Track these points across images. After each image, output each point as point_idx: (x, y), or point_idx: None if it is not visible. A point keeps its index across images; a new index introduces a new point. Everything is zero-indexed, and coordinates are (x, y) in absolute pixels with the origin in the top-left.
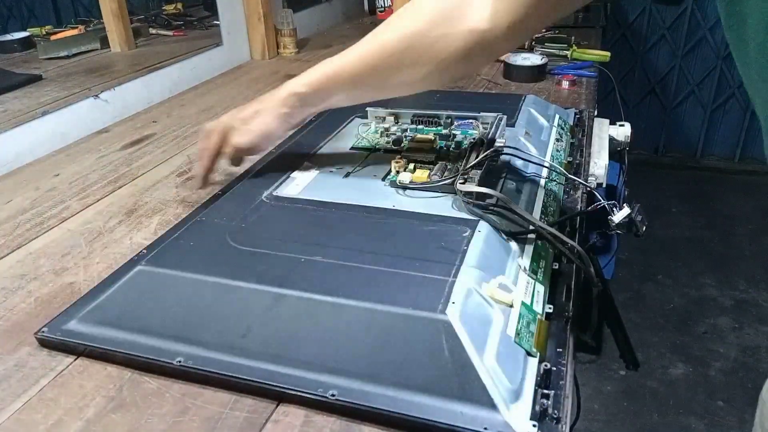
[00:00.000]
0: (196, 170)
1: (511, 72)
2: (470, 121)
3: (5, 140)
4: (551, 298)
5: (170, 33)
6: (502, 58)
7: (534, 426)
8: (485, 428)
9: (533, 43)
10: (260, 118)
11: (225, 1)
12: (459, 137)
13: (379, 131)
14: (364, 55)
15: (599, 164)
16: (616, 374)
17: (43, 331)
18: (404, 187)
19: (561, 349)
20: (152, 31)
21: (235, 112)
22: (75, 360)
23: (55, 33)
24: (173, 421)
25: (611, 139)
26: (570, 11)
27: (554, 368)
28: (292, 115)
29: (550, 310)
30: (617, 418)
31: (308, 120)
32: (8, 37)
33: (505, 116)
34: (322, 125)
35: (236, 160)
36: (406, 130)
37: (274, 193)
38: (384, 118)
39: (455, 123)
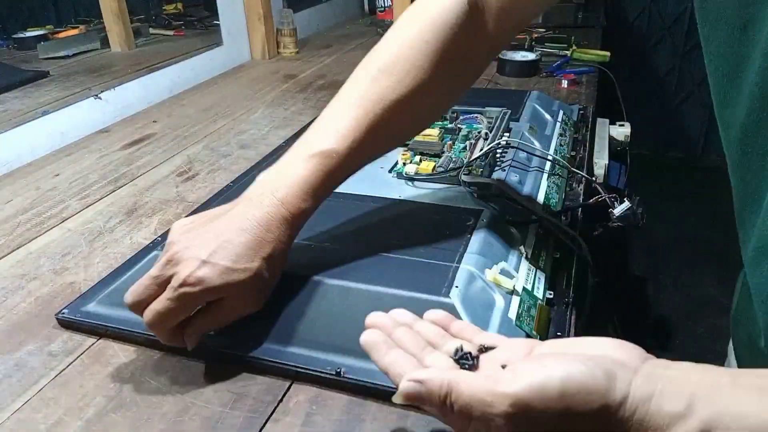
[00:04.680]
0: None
1: (504, 67)
2: (475, 115)
3: (5, 140)
4: (552, 285)
5: (170, 33)
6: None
7: None
8: None
9: (533, 42)
10: (272, 264)
11: (225, 1)
12: (464, 131)
13: None
14: (373, 124)
15: (599, 164)
16: None
17: (63, 313)
18: (410, 179)
19: (561, 333)
20: (152, 31)
21: (218, 258)
22: (75, 360)
23: (56, 33)
24: (173, 420)
25: (611, 139)
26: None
27: None
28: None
29: (551, 296)
30: None
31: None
32: (27, 34)
33: (510, 111)
34: None
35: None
36: None
37: None
38: None
39: (461, 117)
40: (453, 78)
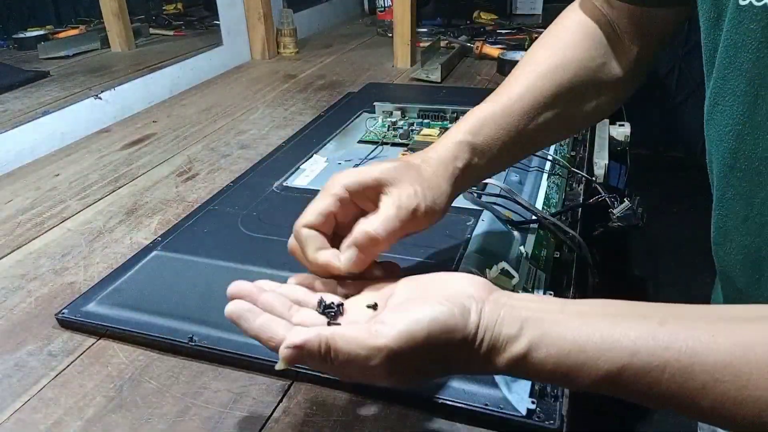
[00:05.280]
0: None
1: (504, 67)
2: None
3: (6, 140)
4: (552, 285)
5: (170, 33)
6: (497, 54)
7: (533, 403)
8: (486, 404)
9: (533, 42)
10: (433, 172)
11: (225, 1)
12: None
13: (387, 125)
14: (534, 91)
15: (599, 164)
16: None
17: (63, 313)
18: None
19: None
20: (152, 31)
21: (374, 165)
22: (75, 360)
23: (56, 33)
24: (173, 421)
25: (611, 139)
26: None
27: None
28: (465, 176)
29: (551, 296)
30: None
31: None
32: (27, 34)
33: None
34: (330, 120)
35: (389, 231)
36: (412, 124)
37: (284, 184)
38: (391, 113)
39: (461, 117)
40: (606, 69)
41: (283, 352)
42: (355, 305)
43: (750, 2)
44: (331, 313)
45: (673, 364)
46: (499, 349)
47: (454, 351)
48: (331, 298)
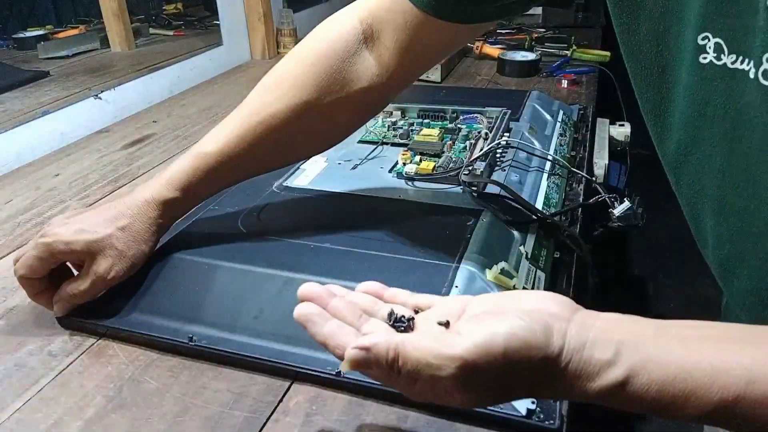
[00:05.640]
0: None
1: (504, 67)
2: (475, 115)
3: (6, 140)
4: (552, 285)
5: (170, 33)
6: (497, 54)
7: (533, 403)
8: None
9: (533, 42)
10: (133, 237)
11: (225, 1)
12: (464, 131)
13: (387, 125)
14: (245, 135)
15: (599, 164)
16: None
17: None
18: (410, 179)
19: None
20: (152, 31)
21: (81, 226)
22: (75, 360)
23: (56, 33)
24: (173, 421)
25: (611, 139)
26: (459, 46)
27: None
28: (166, 226)
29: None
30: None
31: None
32: (27, 34)
33: (510, 111)
34: None
35: (92, 294)
36: (412, 124)
37: (285, 184)
38: (391, 113)
39: (461, 117)
40: (339, 104)
41: (350, 353)
42: (426, 321)
43: (710, 61)
44: (402, 327)
45: None
46: (591, 374)
47: (534, 371)
48: (401, 311)
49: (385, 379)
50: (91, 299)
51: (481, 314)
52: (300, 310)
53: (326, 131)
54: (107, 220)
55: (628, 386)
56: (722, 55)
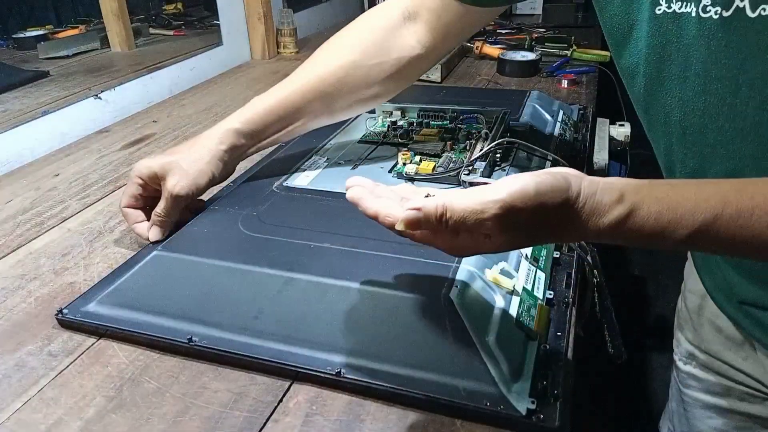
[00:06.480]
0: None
1: (504, 67)
2: (475, 115)
3: (6, 140)
4: (552, 285)
5: (170, 33)
6: (497, 54)
7: (533, 403)
8: (486, 404)
9: (533, 42)
10: (196, 159)
11: (225, 1)
12: (464, 131)
13: (387, 125)
14: (301, 87)
15: (599, 164)
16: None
17: (63, 313)
18: (411, 179)
19: (560, 333)
20: (152, 31)
21: (163, 156)
22: (75, 360)
23: (56, 33)
24: (173, 421)
25: (611, 139)
26: (479, 27)
27: (553, 350)
28: (231, 154)
29: (551, 296)
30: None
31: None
32: (27, 34)
33: (510, 111)
34: None
35: (168, 210)
36: (412, 124)
37: (285, 184)
38: (391, 113)
39: (461, 117)
40: (378, 68)
41: (406, 213)
42: None
43: (663, 11)
44: None
45: (761, 207)
46: (602, 212)
47: (558, 212)
48: (434, 193)
49: (431, 237)
50: (173, 221)
51: (511, 176)
52: (351, 193)
53: (365, 90)
54: (181, 147)
55: (631, 219)
56: (671, 3)
